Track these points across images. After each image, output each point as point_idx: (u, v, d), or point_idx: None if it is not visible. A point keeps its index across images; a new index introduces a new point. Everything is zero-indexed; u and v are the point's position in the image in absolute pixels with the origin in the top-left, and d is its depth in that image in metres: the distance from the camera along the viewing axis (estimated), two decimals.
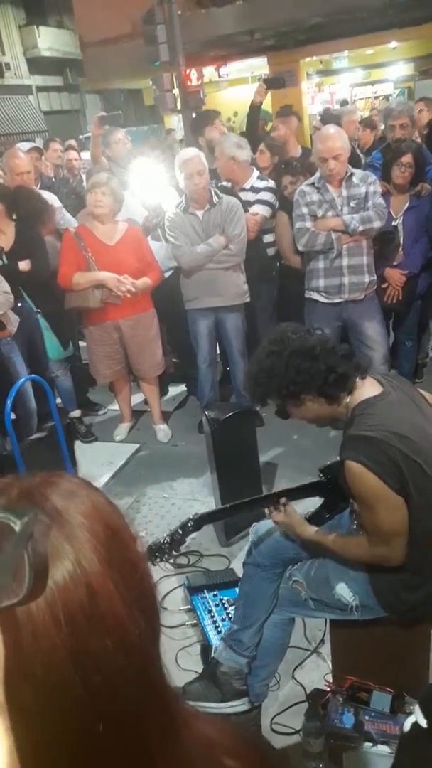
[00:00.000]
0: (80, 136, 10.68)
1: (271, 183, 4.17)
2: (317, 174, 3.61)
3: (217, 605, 2.59)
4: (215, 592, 2.65)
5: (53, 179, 5.38)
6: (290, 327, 1.95)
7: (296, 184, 3.90)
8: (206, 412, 3.22)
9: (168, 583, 2.85)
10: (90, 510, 0.51)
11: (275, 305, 4.41)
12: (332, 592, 1.94)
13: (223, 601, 2.59)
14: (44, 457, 3.30)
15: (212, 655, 2.23)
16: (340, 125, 5.54)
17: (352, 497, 1.81)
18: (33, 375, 3.53)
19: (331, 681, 2.09)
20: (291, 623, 2.15)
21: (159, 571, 2.79)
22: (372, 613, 1.92)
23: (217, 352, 4.23)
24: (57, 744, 0.47)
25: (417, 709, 1.24)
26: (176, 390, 4.91)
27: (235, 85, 15.24)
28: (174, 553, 2.00)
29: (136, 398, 4.49)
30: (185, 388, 4.84)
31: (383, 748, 1.84)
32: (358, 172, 3.63)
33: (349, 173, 3.54)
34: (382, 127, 5.46)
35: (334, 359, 1.83)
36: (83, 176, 5.67)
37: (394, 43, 14.04)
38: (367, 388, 1.84)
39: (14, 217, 3.77)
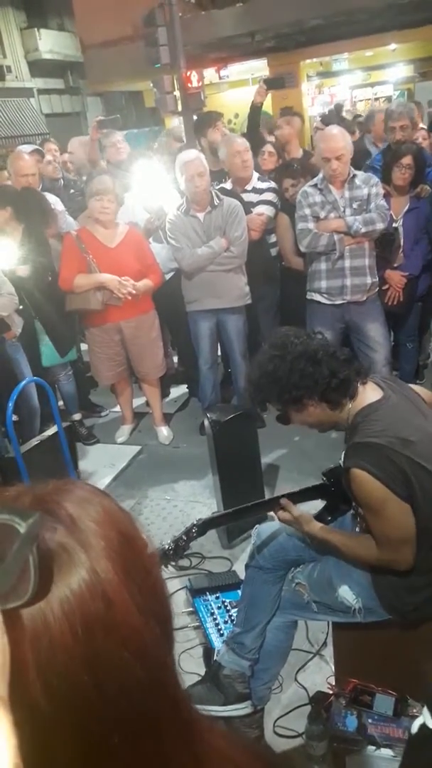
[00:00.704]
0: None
1: (272, 183, 4.18)
2: (320, 175, 3.62)
3: (219, 607, 2.58)
4: (217, 595, 2.65)
5: (61, 180, 5.36)
6: (292, 331, 1.95)
7: (297, 186, 3.90)
8: (208, 414, 3.22)
9: (170, 585, 2.85)
10: (103, 517, 0.51)
11: (278, 306, 4.41)
12: (335, 595, 1.93)
13: (226, 604, 2.59)
14: (46, 459, 3.29)
15: (214, 657, 2.22)
16: (368, 128, 5.57)
17: (359, 505, 1.81)
18: (36, 377, 3.53)
19: (333, 684, 2.08)
20: (294, 626, 2.14)
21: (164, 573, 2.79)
22: (375, 616, 1.92)
23: (219, 353, 4.23)
24: (70, 752, 0.46)
25: (425, 710, 1.23)
26: (178, 392, 4.91)
27: (236, 87, 15.25)
28: (179, 557, 2.00)
29: (138, 400, 4.50)
30: (186, 390, 4.84)
31: (386, 752, 1.83)
32: (361, 174, 3.63)
33: (351, 174, 3.54)
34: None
35: (337, 364, 1.83)
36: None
37: (393, 45, 14.05)
38: (368, 393, 1.84)
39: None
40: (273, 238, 4.27)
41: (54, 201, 4.27)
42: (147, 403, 4.38)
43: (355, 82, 16.44)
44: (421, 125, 5.52)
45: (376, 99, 15.54)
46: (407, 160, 3.81)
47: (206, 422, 3.21)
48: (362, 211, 3.53)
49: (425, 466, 1.69)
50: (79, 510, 0.50)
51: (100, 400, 4.78)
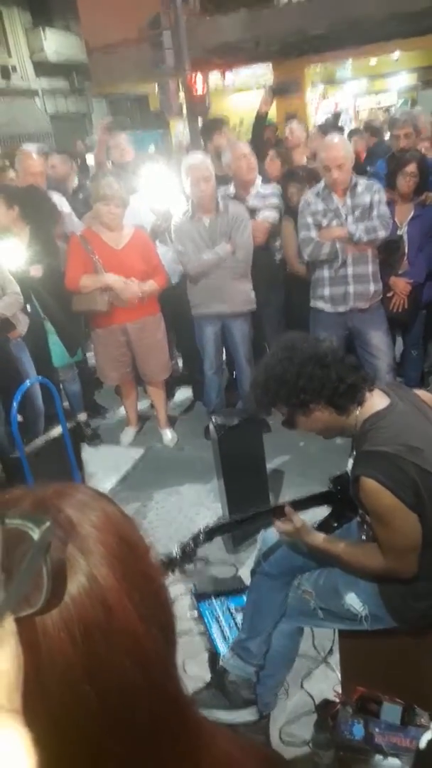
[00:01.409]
0: (86, 139, 10.70)
1: (276, 188, 4.18)
2: (322, 183, 3.62)
3: (224, 613, 2.58)
4: (223, 600, 2.64)
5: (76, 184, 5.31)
6: (300, 335, 1.94)
7: (302, 193, 3.91)
8: (213, 418, 3.21)
9: (174, 590, 2.83)
10: (104, 522, 0.50)
11: (283, 312, 4.41)
12: (342, 602, 1.93)
13: (231, 609, 2.58)
14: (51, 460, 3.28)
15: (220, 663, 2.22)
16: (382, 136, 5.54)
17: (367, 513, 1.80)
18: (41, 377, 3.53)
19: (340, 692, 2.08)
20: (300, 632, 2.14)
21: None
22: (382, 624, 1.91)
23: (224, 358, 4.23)
24: (72, 761, 0.46)
25: None
26: (183, 394, 4.90)
27: (240, 93, 15.30)
28: (186, 564, 1.99)
29: (143, 402, 4.49)
30: (191, 393, 4.84)
31: (394, 761, 1.83)
32: (363, 181, 3.63)
33: (353, 182, 3.54)
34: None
35: (345, 369, 1.82)
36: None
37: (397, 54, 14.14)
38: (376, 400, 1.83)
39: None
40: (278, 244, 4.27)
41: (60, 202, 4.27)
42: (152, 406, 4.38)
43: (359, 90, 16.51)
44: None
45: (380, 107, 15.61)
46: (412, 167, 3.82)
47: (211, 426, 3.21)
48: (364, 218, 3.53)
49: None
50: (79, 514, 0.49)
51: (105, 402, 4.77)
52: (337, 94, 16.67)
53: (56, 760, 0.45)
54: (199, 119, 9.23)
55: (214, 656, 2.38)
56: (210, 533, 1.95)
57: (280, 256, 4.30)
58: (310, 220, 3.58)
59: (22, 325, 3.58)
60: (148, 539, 0.53)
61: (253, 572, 2.15)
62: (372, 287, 3.64)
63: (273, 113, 11.71)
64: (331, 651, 2.37)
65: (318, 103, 15.74)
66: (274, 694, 2.15)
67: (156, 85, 10.79)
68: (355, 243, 3.51)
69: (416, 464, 1.67)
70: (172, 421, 4.40)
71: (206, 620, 2.56)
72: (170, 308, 4.13)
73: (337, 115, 13.27)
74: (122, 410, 4.48)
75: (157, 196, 4.16)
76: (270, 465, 3.45)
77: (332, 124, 8.94)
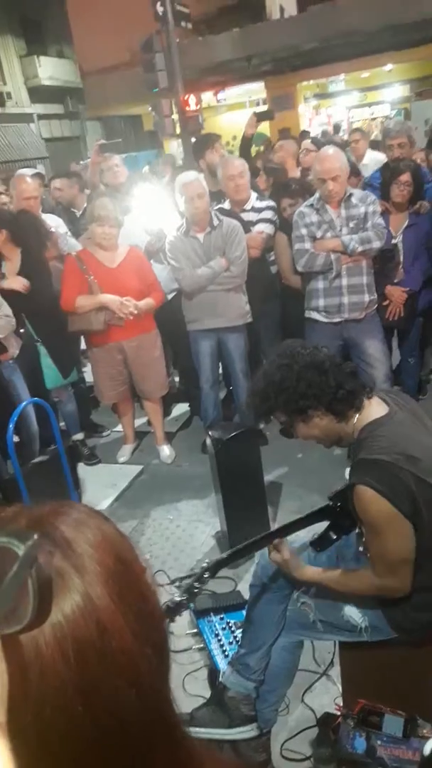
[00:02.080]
0: (80, 162, 10.82)
1: (271, 202, 4.22)
2: (316, 195, 3.64)
3: (224, 628, 2.55)
4: (222, 615, 2.62)
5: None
6: (298, 342, 1.95)
7: (295, 206, 3.93)
8: (210, 432, 3.21)
9: None
10: (99, 541, 0.50)
11: (279, 324, 4.42)
12: (341, 614, 1.91)
13: (230, 625, 2.56)
14: (47, 480, 3.28)
15: (219, 679, 2.19)
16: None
17: (362, 522, 1.79)
18: (35, 398, 3.53)
19: (341, 705, 2.05)
20: (300, 646, 2.11)
21: (164, 594, 2.76)
22: (382, 635, 1.89)
23: (220, 372, 4.23)
24: None
25: None
26: (179, 410, 4.90)
27: (234, 110, 15.47)
28: (192, 602, 1.97)
29: (139, 420, 4.49)
30: (188, 409, 4.83)
31: None
32: (357, 192, 3.66)
33: (348, 194, 3.56)
34: None
35: (343, 376, 1.83)
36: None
37: (389, 66, 14.28)
38: (374, 408, 1.83)
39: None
40: (273, 256, 4.30)
41: (57, 224, 4.30)
42: (148, 422, 4.37)
43: (352, 102, 16.66)
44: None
45: (373, 119, 15.74)
46: (406, 177, 3.85)
47: (208, 440, 3.20)
48: (359, 229, 3.55)
49: (430, 483, 1.68)
50: (75, 533, 0.49)
51: (102, 420, 4.77)
52: (329, 107, 16.84)
53: None
54: (192, 138, 9.33)
55: (213, 673, 2.35)
56: (214, 568, 1.92)
57: (275, 270, 4.32)
58: (304, 231, 3.60)
59: (14, 347, 3.59)
60: (144, 559, 0.53)
61: (251, 586, 2.13)
62: (366, 297, 3.65)
63: (266, 128, 11.84)
64: (332, 663, 2.35)
65: (312, 116, 15.90)
66: (274, 710, 2.11)
67: (149, 107, 10.92)
68: (350, 254, 3.53)
69: (413, 473, 1.66)
70: (169, 437, 4.40)
71: (205, 636, 2.53)
72: (166, 325, 4.15)
73: (337, 127, 13.39)
74: (119, 428, 4.47)
75: (150, 216, 4.20)
76: (268, 477, 3.44)
77: (325, 139, 9.01)
